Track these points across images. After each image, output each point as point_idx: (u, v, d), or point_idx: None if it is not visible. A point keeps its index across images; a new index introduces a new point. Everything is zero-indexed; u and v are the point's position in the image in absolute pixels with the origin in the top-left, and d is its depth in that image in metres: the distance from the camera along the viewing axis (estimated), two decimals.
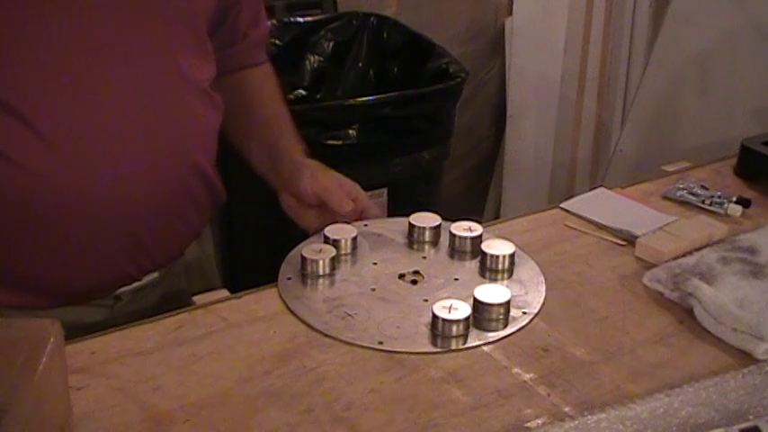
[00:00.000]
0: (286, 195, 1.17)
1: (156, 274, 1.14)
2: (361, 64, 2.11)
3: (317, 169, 1.16)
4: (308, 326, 0.97)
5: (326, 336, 0.95)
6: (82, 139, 1.00)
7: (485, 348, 0.94)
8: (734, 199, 1.21)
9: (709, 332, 0.97)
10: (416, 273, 1.06)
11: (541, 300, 1.02)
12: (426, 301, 1.00)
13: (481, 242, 1.08)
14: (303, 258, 1.04)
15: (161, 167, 1.06)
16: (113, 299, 1.12)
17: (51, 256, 1.04)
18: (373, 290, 1.02)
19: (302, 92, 2.09)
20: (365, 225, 1.13)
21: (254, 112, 1.26)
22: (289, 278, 1.04)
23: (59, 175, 0.99)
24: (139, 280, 1.12)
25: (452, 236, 1.10)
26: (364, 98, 1.82)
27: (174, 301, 1.07)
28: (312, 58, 2.09)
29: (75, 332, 0.92)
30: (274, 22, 2.02)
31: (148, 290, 1.14)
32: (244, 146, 1.25)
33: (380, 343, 0.94)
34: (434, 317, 0.95)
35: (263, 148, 1.22)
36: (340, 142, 1.81)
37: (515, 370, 0.91)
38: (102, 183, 1.02)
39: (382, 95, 1.83)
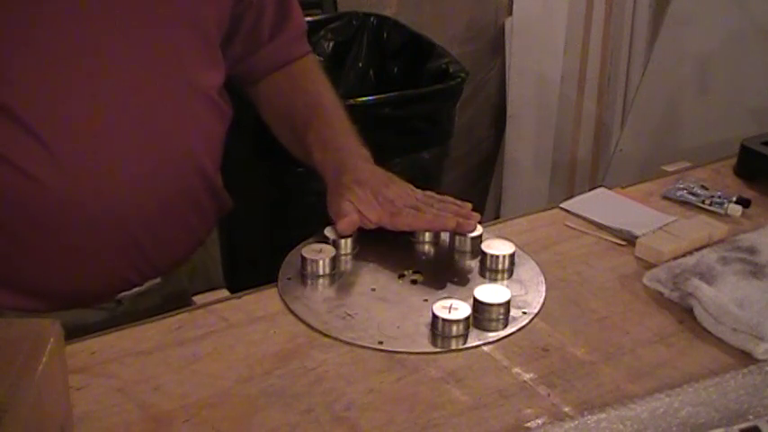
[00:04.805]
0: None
1: (157, 280, 1.13)
2: (361, 64, 2.10)
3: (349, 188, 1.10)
4: (308, 326, 0.97)
5: (326, 336, 0.95)
6: (84, 146, 1.00)
7: (485, 348, 0.94)
8: (734, 199, 1.21)
9: (709, 332, 0.97)
10: (416, 273, 1.06)
11: (541, 300, 1.02)
12: (426, 301, 1.00)
13: (481, 242, 1.08)
14: (303, 258, 1.04)
15: (164, 175, 1.05)
16: (114, 302, 1.12)
17: (51, 260, 1.03)
18: (373, 290, 1.02)
19: None
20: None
21: (309, 108, 1.21)
22: (289, 278, 1.04)
23: (61, 181, 0.99)
24: (140, 285, 1.11)
25: (452, 236, 1.10)
26: (364, 98, 1.81)
27: (175, 302, 1.06)
28: None
29: (75, 333, 0.92)
30: None
31: (150, 294, 1.13)
32: (293, 145, 1.22)
33: (380, 343, 0.94)
34: (434, 317, 0.95)
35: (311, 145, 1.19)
36: None
37: (515, 370, 0.91)
38: (104, 189, 1.01)
39: (382, 95, 1.83)
